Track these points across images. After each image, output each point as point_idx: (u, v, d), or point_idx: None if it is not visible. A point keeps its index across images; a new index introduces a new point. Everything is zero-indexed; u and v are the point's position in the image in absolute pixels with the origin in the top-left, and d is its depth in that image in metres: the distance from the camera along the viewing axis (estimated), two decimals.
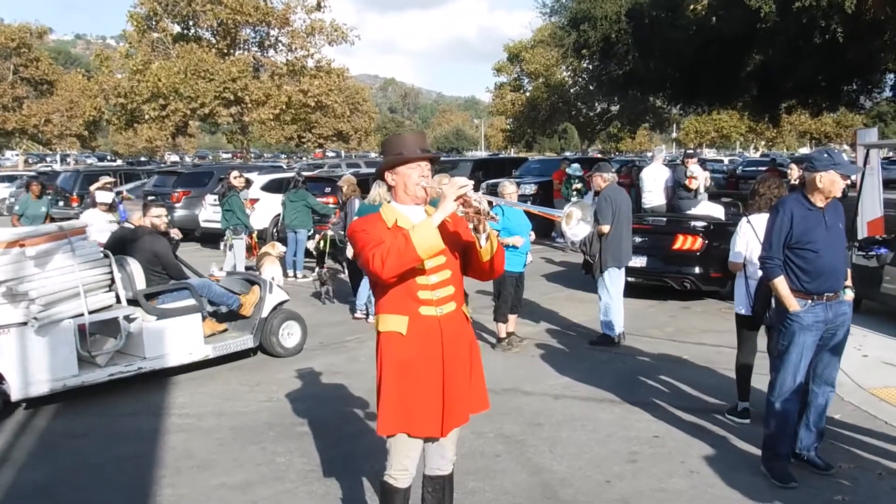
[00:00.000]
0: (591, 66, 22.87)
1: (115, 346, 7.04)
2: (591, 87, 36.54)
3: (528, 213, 8.00)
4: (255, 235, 12.90)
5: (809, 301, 4.89)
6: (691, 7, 15.38)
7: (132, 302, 7.35)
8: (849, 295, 5.03)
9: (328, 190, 16.52)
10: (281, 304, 8.36)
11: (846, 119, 53.23)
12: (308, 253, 13.36)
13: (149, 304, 7.41)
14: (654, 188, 12.79)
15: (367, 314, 10.34)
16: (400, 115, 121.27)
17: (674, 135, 68.59)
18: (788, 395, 4.98)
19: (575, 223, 3.07)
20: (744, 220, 6.08)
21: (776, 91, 18.66)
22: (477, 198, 3.35)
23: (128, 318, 7.10)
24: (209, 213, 17.29)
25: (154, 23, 34.62)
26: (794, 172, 11.12)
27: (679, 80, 18.05)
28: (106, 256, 7.29)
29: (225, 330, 8.16)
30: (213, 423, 6.32)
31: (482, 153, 71.46)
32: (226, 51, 34.72)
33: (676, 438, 5.78)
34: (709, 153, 58.27)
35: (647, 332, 9.12)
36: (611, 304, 8.48)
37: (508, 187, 8.56)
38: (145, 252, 7.63)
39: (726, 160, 42.88)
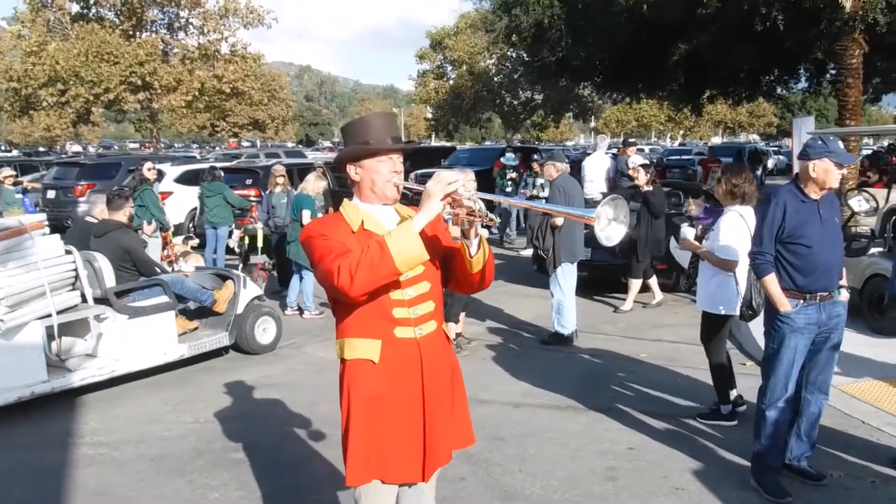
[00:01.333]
0: (521, 53, 22.41)
1: (86, 349, 6.60)
2: (515, 76, 36.26)
3: None
4: (170, 232, 11.95)
5: (801, 301, 4.47)
6: None
7: (99, 301, 6.89)
8: (844, 295, 4.62)
9: (249, 181, 15.63)
10: (255, 299, 8.00)
11: (758, 109, 54.51)
12: (229, 250, 12.48)
13: (119, 302, 6.94)
14: (595, 178, 12.44)
15: (300, 310, 9.76)
16: (317, 104, 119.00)
17: (592, 124, 69.16)
18: (780, 403, 4.58)
19: (605, 224, 2.49)
20: (732, 212, 5.59)
21: (704, 80, 18.59)
22: (470, 196, 2.74)
23: (98, 318, 6.67)
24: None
25: (50, 1, 32.47)
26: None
27: (610, 67, 17.77)
28: (69, 252, 6.78)
29: (196, 328, 7.80)
30: (130, 453, 5.50)
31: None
32: (131, 32, 32.81)
33: (654, 450, 5.29)
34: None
35: (599, 329, 8.69)
36: (563, 300, 8.00)
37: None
38: (115, 248, 7.24)
39: (647, 149, 43.28)
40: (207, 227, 12.53)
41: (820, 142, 4.50)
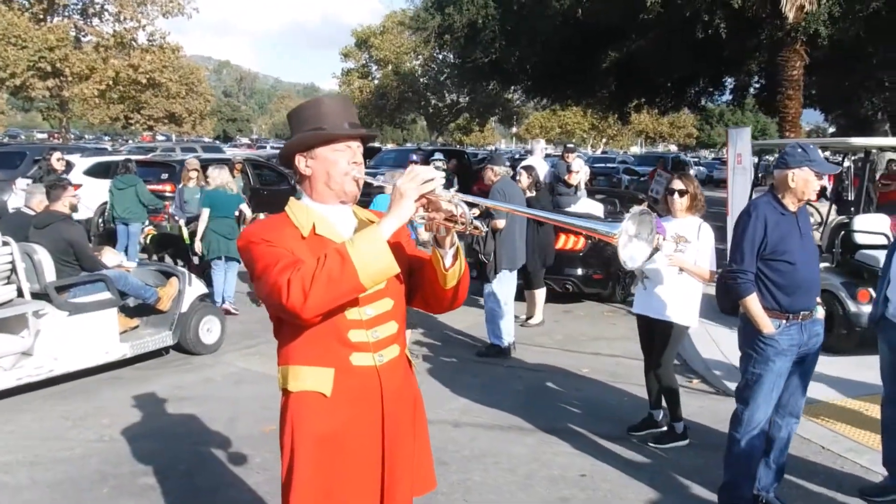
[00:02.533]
0: (448, 55, 22.05)
1: (23, 347, 6.18)
2: (441, 78, 35.91)
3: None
4: None
5: (784, 321, 4.16)
6: None
7: (38, 296, 6.47)
8: (820, 313, 4.34)
9: (165, 176, 14.77)
10: (201, 297, 7.68)
11: (679, 120, 55.64)
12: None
13: (60, 297, 6.55)
14: None
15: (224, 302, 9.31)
16: (235, 100, 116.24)
17: (513, 130, 69.42)
18: (756, 431, 4.27)
19: (626, 241, 2.05)
20: (705, 223, 5.30)
21: (634, 88, 18.59)
22: (450, 198, 2.27)
23: (37, 314, 6.27)
24: (20, 199, 14.96)
25: None
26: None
27: (542, 71, 17.53)
28: (6, 244, 6.38)
29: (136, 326, 7.42)
30: (23, 478, 4.80)
31: None
32: (42, 16, 31.04)
33: (608, 477, 4.90)
34: (550, 149, 59.33)
35: (535, 341, 8.32)
36: (498, 310, 7.60)
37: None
38: (57, 240, 6.82)
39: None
40: (118, 222, 11.71)
41: (800, 150, 4.21)
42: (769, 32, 11.67)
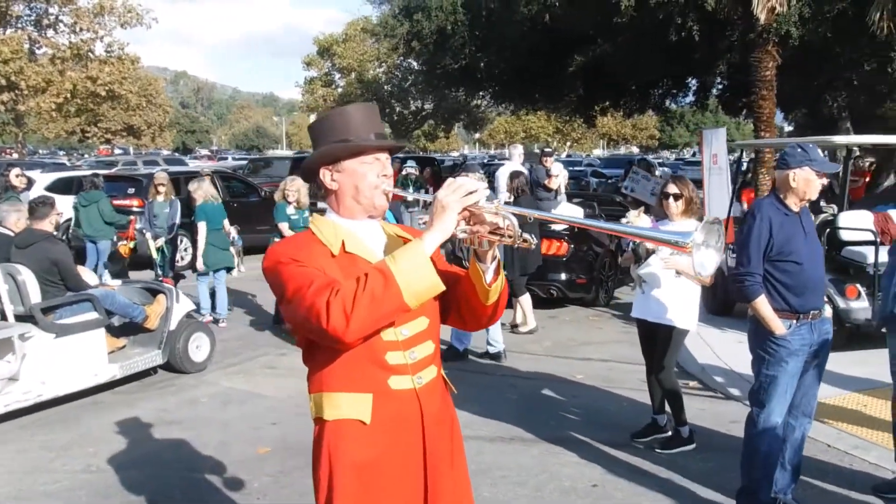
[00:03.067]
0: (412, 61, 21.95)
1: (9, 372, 6.00)
2: (406, 85, 35.75)
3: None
4: None
5: (794, 321, 4.11)
6: (524, 2, 14.77)
7: (22, 318, 6.26)
8: (828, 311, 4.30)
9: (132, 191, 14.40)
10: (188, 314, 7.53)
11: (641, 122, 56.11)
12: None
13: (46, 319, 6.34)
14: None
15: (216, 319, 9.23)
16: (193, 111, 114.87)
17: (476, 135, 69.50)
18: (773, 433, 4.21)
19: (697, 249, 1.96)
20: (698, 225, 5.21)
21: (602, 91, 18.64)
22: (495, 209, 2.14)
23: (23, 338, 6.07)
24: None
25: None
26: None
27: (512, 76, 17.49)
28: None
29: (123, 346, 7.21)
30: None
31: (286, 151, 68.90)
32: None
33: (619, 486, 4.80)
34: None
35: (525, 348, 8.21)
36: None
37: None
38: (41, 260, 6.61)
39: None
40: (86, 241, 11.38)
41: (800, 150, 4.18)
42: (741, 34, 11.74)
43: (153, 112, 46.35)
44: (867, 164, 16.15)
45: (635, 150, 65.45)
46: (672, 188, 5.33)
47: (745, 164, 12.51)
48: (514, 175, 8.72)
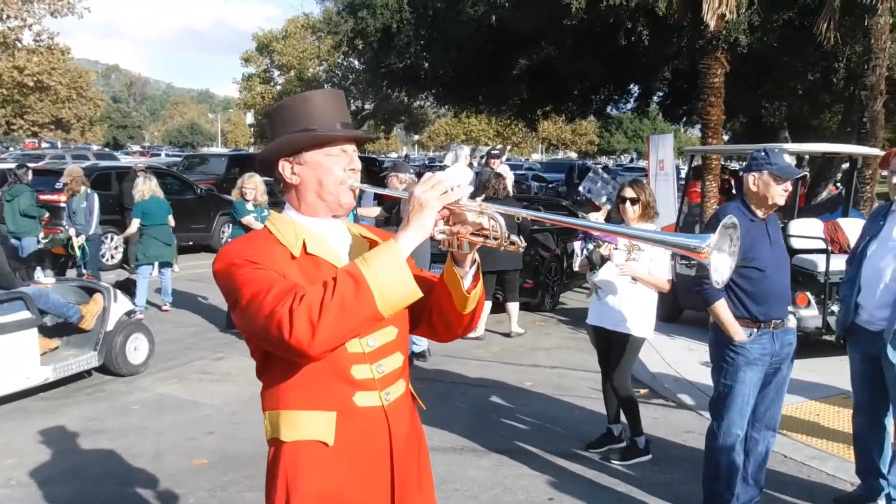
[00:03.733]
0: (353, 61, 21.63)
1: None
2: (346, 84, 35.31)
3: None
4: None
5: (755, 330, 3.99)
6: (471, 2, 14.63)
7: None
8: (793, 321, 4.20)
9: (60, 185, 13.78)
10: (127, 313, 7.25)
11: (580, 128, 56.63)
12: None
13: None
14: None
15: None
16: (126, 106, 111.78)
17: (416, 137, 69.25)
18: (733, 445, 4.10)
19: (711, 253, 1.79)
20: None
21: (546, 94, 18.62)
22: (479, 208, 1.92)
23: None
24: None
25: None
26: None
27: (456, 77, 17.32)
28: None
29: (56, 347, 6.85)
30: None
31: (222, 149, 67.53)
32: None
33: (576, 500, 4.62)
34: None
35: (473, 354, 8.02)
36: None
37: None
38: None
39: (475, 164, 43.56)
40: (11, 238, 10.83)
41: (763, 153, 4.10)
42: (690, 40, 11.79)
43: (83, 105, 44.72)
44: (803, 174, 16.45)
45: (573, 154, 66.11)
46: (629, 192, 5.20)
47: (682, 171, 12.60)
48: (497, 176, 8.58)
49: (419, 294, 1.86)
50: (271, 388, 2.05)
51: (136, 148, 65.27)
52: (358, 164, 2.13)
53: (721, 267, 1.84)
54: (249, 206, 8.66)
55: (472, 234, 1.95)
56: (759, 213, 4.06)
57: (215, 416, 6.05)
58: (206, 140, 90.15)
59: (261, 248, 1.98)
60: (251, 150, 48.57)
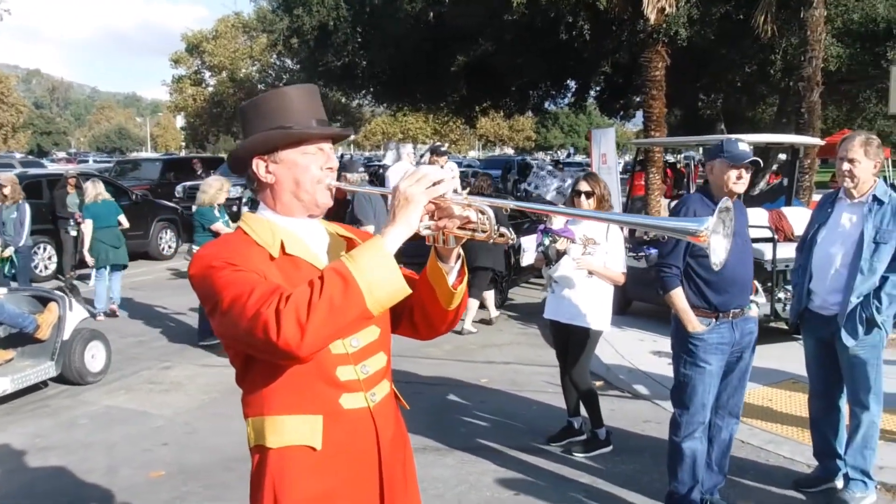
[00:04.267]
0: (295, 58, 21.32)
1: None
2: (280, 84, 34.81)
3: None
4: None
5: (714, 319, 4.04)
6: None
7: None
8: (754, 310, 4.26)
9: None
10: (82, 321, 7.17)
11: (518, 124, 57.01)
12: None
13: None
14: None
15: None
16: (49, 111, 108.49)
17: (352, 136, 68.74)
18: (698, 434, 4.14)
19: (709, 236, 1.79)
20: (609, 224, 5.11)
21: (486, 91, 18.67)
22: (466, 202, 1.89)
23: None
24: None
25: None
26: None
27: (394, 75, 17.24)
28: None
29: (11, 359, 6.68)
30: None
31: (153, 154, 66.01)
32: None
33: (543, 494, 4.63)
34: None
35: (425, 353, 7.94)
36: None
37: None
38: None
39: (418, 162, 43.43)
40: None
41: (719, 143, 4.14)
42: (630, 34, 11.93)
43: (5, 112, 43.37)
44: None
45: (509, 151, 66.56)
46: (584, 186, 5.23)
47: (620, 164, 12.76)
48: (485, 174, 8.63)
49: (408, 291, 1.82)
50: (253, 393, 1.99)
51: (62, 155, 63.41)
52: (335, 163, 2.08)
53: (718, 249, 1.85)
54: (216, 212, 8.40)
55: (459, 228, 1.91)
56: None
57: (168, 427, 5.89)
58: (135, 145, 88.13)
59: (239, 250, 1.91)
60: (183, 153, 47.67)
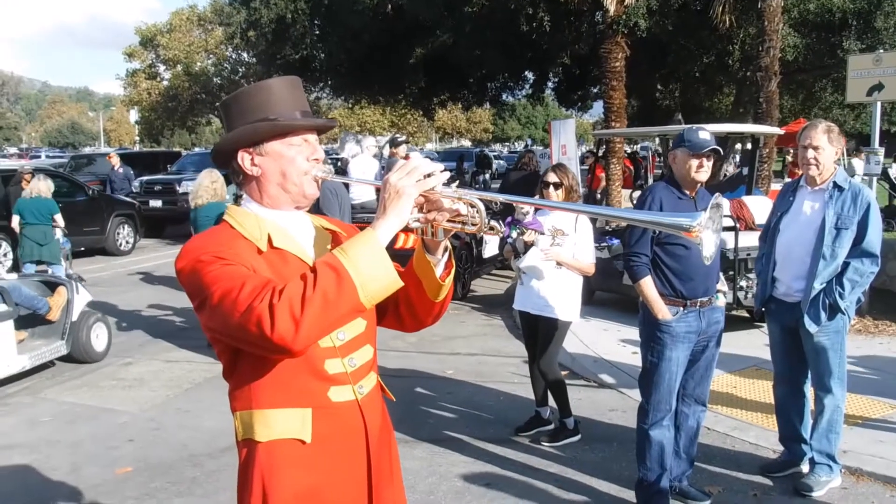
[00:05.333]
0: (252, 51, 21.05)
1: None
2: (236, 77, 34.47)
3: None
4: None
5: (682, 308, 4.09)
6: None
7: None
8: (721, 300, 4.33)
9: None
10: (87, 305, 7.63)
11: (475, 116, 57.05)
12: None
13: None
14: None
15: None
16: None
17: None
18: (665, 421, 4.19)
19: (700, 231, 1.80)
20: (578, 215, 5.14)
21: (442, 83, 18.66)
22: (456, 195, 1.89)
23: None
24: None
25: None
26: None
27: (353, 68, 17.12)
28: None
29: (24, 339, 7.12)
30: None
31: (108, 148, 64.74)
32: None
33: (513, 484, 4.66)
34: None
35: (389, 345, 7.91)
36: None
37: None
38: None
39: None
40: None
41: (681, 132, 4.21)
42: (590, 25, 12.00)
43: None
44: None
45: (466, 143, 66.60)
46: (552, 177, 5.26)
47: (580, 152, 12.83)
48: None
49: (400, 284, 1.82)
50: (242, 387, 1.97)
51: (14, 150, 61.87)
52: (321, 154, 2.07)
53: (707, 243, 1.87)
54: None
55: (448, 220, 1.92)
56: (687, 191, 4.14)
57: (133, 423, 5.82)
58: (88, 140, 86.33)
59: (227, 244, 1.89)
60: (137, 148, 46.82)
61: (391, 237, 1.83)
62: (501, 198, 1.99)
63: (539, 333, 5.34)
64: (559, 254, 5.10)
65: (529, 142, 61.90)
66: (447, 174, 1.88)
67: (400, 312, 2.16)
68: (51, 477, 4.88)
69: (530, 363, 5.53)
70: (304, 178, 2.00)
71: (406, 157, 10.52)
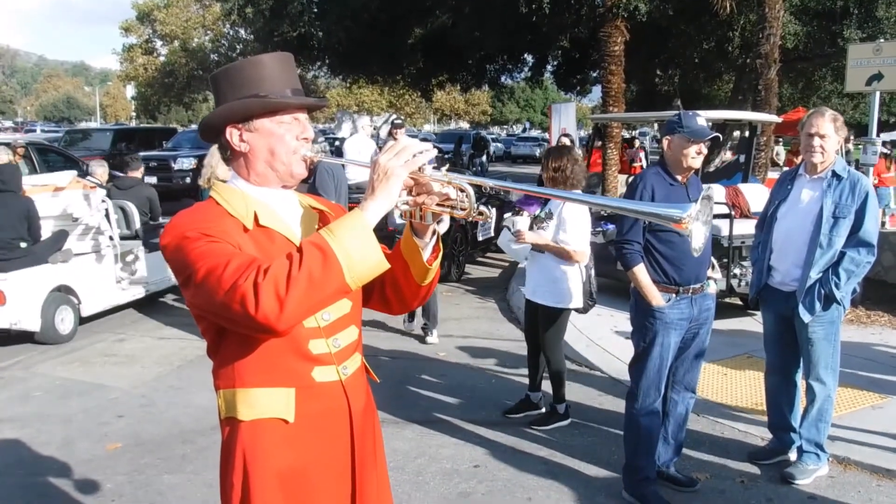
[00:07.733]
0: (249, 28, 20.90)
1: (137, 273, 8.63)
2: (233, 54, 34.22)
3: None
4: None
5: (674, 295, 4.09)
6: None
7: (124, 238, 8.39)
8: (713, 287, 4.32)
9: None
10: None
11: (473, 98, 56.83)
12: None
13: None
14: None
15: None
16: None
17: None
18: (652, 407, 4.19)
19: (690, 223, 1.78)
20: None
21: (441, 64, 18.56)
22: (445, 178, 1.88)
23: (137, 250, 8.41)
24: None
25: None
26: None
27: (351, 46, 17.01)
28: (103, 201, 8.18)
29: None
30: None
31: (104, 123, 64.45)
32: None
33: (502, 466, 4.68)
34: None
35: (383, 326, 7.97)
36: None
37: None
38: (140, 197, 8.78)
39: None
40: None
41: (677, 117, 4.16)
42: (590, 8, 11.90)
43: None
44: None
45: (464, 125, 66.44)
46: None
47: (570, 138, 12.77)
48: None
49: (387, 266, 1.80)
50: (225, 366, 1.96)
51: (9, 124, 61.56)
52: (311, 133, 2.05)
53: (697, 235, 1.85)
54: None
55: (437, 204, 1.91)
56: (679, 177, 4.13)
57: (124, 399, 5.82)
58: (83, 114, 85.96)
59: (214, 220, 1.87)
60: (133, 123, 46.55)
61: (379, 218, 1.82)
62: (491, 182, 1.98)
63: (539, 320, 5.33)
64: (531, 236, 5.08)
65: (528, 125, 61.76)
66: (434, 151, 1.86)
67: (386, 294, 2.16)
68: (42, 451, 4.88)
69: (529, 349, 5.53)
70: (293, 157, 1.98)
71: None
